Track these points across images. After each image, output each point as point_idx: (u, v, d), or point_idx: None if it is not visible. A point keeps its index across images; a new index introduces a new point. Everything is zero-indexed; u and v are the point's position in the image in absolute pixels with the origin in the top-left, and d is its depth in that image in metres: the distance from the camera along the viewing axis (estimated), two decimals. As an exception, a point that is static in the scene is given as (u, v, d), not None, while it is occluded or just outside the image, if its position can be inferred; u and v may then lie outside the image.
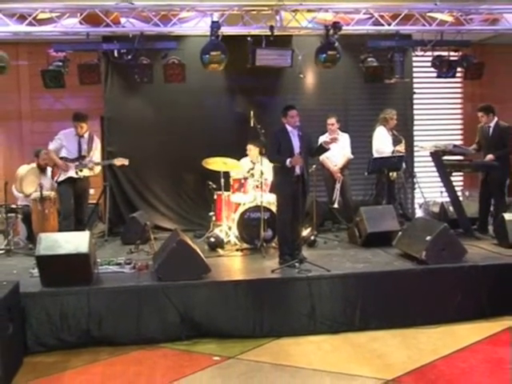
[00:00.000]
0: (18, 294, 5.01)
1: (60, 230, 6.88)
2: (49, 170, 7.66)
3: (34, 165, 7.66)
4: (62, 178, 7.20)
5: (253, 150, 7.66)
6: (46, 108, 9.02)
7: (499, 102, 7.77)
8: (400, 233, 6.83)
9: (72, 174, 7.23)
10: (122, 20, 7.48)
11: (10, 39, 7.50)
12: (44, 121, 8.01)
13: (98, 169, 7.58)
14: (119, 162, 7.64)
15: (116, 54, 7.61)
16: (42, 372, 4.74)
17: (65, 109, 9.02)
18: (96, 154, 7.50)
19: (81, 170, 7.09)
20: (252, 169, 7.45)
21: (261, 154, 7.16)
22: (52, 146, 7.31)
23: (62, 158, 7.25)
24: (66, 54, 7.48)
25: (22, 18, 7.21)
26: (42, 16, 7.24)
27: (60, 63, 7.41)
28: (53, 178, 7.39)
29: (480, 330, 5.50)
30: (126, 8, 7.24)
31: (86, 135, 7.38)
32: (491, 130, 7.61)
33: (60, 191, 7.34)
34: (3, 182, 7.31)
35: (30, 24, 7.19)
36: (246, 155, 7.83)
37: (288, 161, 6.03)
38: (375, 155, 8.02)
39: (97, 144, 7.54)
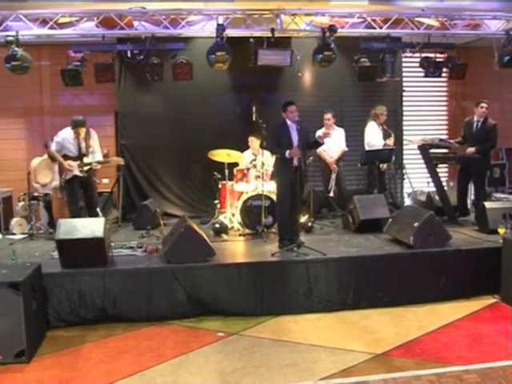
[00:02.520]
0: (41, 274, 5.03)
1: None
2: None
3: (45, 156, 7.62)
4: (68, 176, 6.82)
5: (254, 142, 7.63)
6: (65, 104, 8.98)
7: (479, 99, 7.72)
8: (390, 220, 6.80)
9: (76, 172, 6.81)
10: (135, 23, 7.46)
11: (33, 41, 7.45)
12: (63, 116, 7.94)
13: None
14: (115, 162, 7.48)
15: (129, 54, 7.60)
16: (63, 345, 4.79)
17: (82, 105, 9.00)
18: (95, 146, 7.01)
19: (83, 168, 6.86)
20: (254, 160, 7.44)
21: (261, 146, 7.12)
22: (54, 147, 6.89)
23: (64, 156, 6.84)
24: (83, 55, 7.46)
25: (44, 22, 7.18)
26: (62, 20, 7.21)
27: (78, 63, 7.40)
28: (60, 175, 7.00)
29: (462, 308, 5.51)
30: (138, 12, 7.20)
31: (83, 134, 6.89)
32: (479, 124, 7.53)
33: (67, 191, 6.97)
34: (26, 172, 7.28)
35: (52, 27, 7.16)
36: (249, 147, 7.80)
37: (287, 152, 6.00)
38: (366, 148, 8.00)
39: (93, 137, 7.00)
